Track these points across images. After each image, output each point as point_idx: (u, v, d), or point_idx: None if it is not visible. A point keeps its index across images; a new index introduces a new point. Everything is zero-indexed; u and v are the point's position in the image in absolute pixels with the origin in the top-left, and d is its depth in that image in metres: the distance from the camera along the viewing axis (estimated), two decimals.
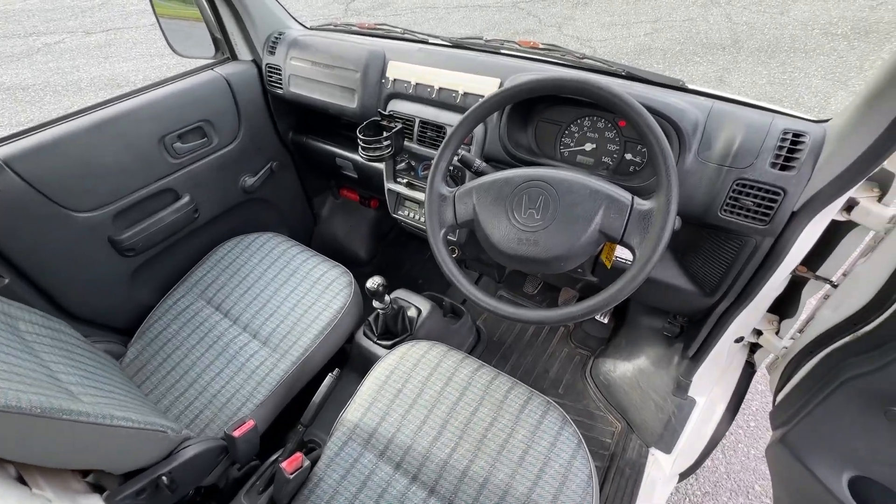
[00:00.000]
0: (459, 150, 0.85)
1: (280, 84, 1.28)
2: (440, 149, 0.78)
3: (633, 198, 0.69)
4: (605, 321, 1.49)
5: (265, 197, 1.45)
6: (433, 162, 0.80)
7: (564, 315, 0.69)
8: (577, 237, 0.68)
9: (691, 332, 1.10)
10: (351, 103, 1.16)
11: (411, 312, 1.16)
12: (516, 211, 0.72)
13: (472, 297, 0.76)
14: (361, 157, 1.04)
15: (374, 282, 0.97)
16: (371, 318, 1.15)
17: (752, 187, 0.75)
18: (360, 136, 1.01)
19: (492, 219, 0.73)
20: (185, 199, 1.18)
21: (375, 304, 1.04)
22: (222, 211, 1.31)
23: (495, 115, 0.93)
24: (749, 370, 1.09)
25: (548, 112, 0.96)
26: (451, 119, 1.02)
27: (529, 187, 0.72)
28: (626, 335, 1.39)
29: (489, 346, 1.54)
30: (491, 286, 1.76)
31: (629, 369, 1.29)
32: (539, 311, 0.70)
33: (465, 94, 0.99)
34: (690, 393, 1.10)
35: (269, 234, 1.24)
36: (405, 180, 1.16)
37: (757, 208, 0.75)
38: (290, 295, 1.11)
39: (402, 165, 1.13)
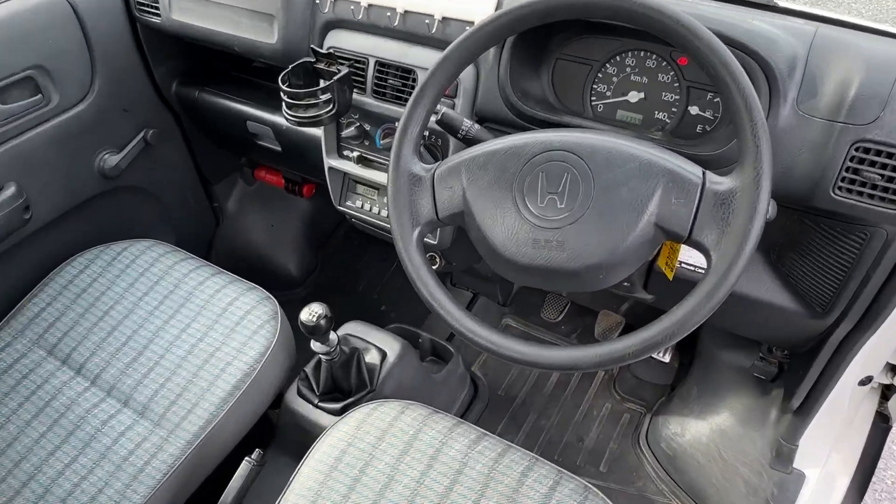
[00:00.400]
0: (439, 107, 0.85)
1: (156, 9, 1.27)
2: (409, 104, 0.78)
3: (704, 173, 0.69)
4: (667, 360, 1.52)
5: (138, 184, 1.45)
6: (399, 124, 0.79)
7: (606, 356, 0.69)
8: (624, 235, 0.69)
9: (795, 373, 1.12)
10: (268, 37, 1.17)
11: (371, 357, 1.17)
12: (529, 197, 0.73)
13: (462, 332, 0.75)
14: (287, 119, 1.04)
15: (311, 312, 0.98)
16: (308, 369, 1.15)
17: (879, 153, 0.76)
18: (285, 89, 1.01)
19: (492, 210, 0.74)
20: (9, 191, 1.17)
21: (315, 346, 1.04)
22: (69, 208, 1.30)
23: (492, 52, 0.94)
24: (882, 425, 1.13)
25: (571, 46, 0.96)
26: (423, 58, 1.03)
27: (549, 161, 0.72)
28: (697, 380, 1.41)
29: (493, 403, 1.54)
30: (492, 311, 1.78)
31: (704, 431, 1.30)
32: (567, 351, 0.70)
33: (445, 19, 1.00)
34: (797, 464, 1.12)
35: (146, 243, 1.25)
36: (356, 153, 1.16)
37: (888, 184, 0.76)
38: (179, 337, 1.11)
39: (350, 131, 1.13)
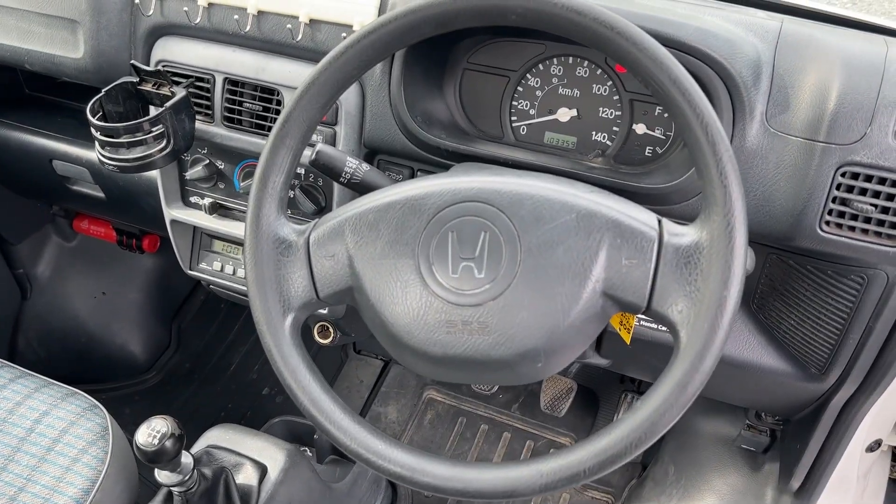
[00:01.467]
0: (313, 139, 0.84)
1: None
2: (268, 145, 0.76)
3: (660, 222, 0.70)
4: None
5: None
6: (256, 174, 0.77)
7: (553, 476, 0.66)
8: (564, 310, 0.68)
9: (791, 443, 1.13)
10: (72, 50, 1.13)
11: (245, 476, 1.11)
12: (438, 266, 0.71)
13: (361, 455, 0.72)
14: (102, 163, 1.03)
15: (152, 430, 0.92)
16: None
17: (869, 178, 0.77)
18: (95, 122, 0.99)
19: (389, 284, 0.73)
20: None
21: (161, 476, 0.98)
22: None
23: (378, 66, 0.93)
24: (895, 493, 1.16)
25: (481, 52, 0.96)
26: (289, 74, 1.02)
27: (459, 216, 0.71)
28: (673, 456, 1.41)
29: None
30: (410, 384, 1.78)
31: None
32: (500, 471, 0.68)
33: (314, 22, 0.99)
34: None
35: None
36: (207, 200, 1.14)
37: (883, 216, 0.77)
38: None
39: (197, 171, 1.10)
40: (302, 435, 1.39)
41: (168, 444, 0.90)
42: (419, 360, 0.73)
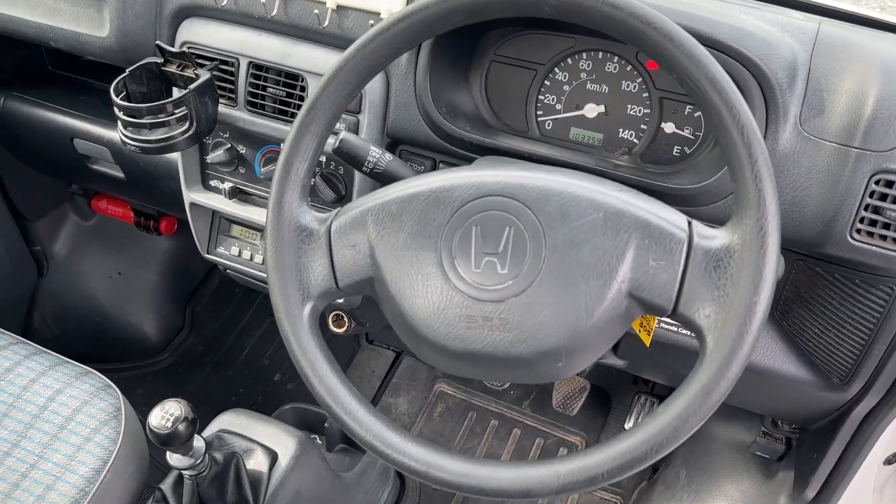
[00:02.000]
0: (338, 127, 0.83)
1: None
2: (293, 132, 0.76)
3: (690, 224, 0.69)
4: None
5: None
6: (280, 160, 0.77)
7: (570, 478, 0.66)
8: (588, 310, 0.68)
9: (807, 452, 1.12)
10: (97, 28, 1.14)
11: (256, 462, 1.12)
12: (461, 260, 0.71)
13: (377, 447, 0.71)
14: (125, 143, 1.03)
15: (166, 413, 0.92)
16: (167, 487, 1.08)
17: None
18: (119, 102, 0.99)
19: (410, 277, 0.73)
20: None
21: (174, 459, 0.99)
22: None
23: (404, 55, 0.93)
24: None
25: (510, 45, 0.96)
26: (314, 61, 1.01)
27: (484, 210, 0.71)
28: (685, 460, 1.41)
29: (425, 498, 1.53)
30: (421, 375, 1.77)
31: None
32: (515, 470, 0.68)
33: (341, 8, 0.98)
34: None
35: None
36: (227, 184, 1.13)
37: None
38: None
39: (218, 155, 1.11)
40: (313, 422, 1.40)
41: (181, 427, 0.91)
42: (437, 354, 0.72)
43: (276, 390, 1.76)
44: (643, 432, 0.64)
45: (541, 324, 0.68)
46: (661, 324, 0.95)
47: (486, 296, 0.69)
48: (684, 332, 0.95)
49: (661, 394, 1.56)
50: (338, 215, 0.76)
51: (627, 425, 1.55)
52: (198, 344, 1.85)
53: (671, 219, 0.68)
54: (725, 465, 1.30)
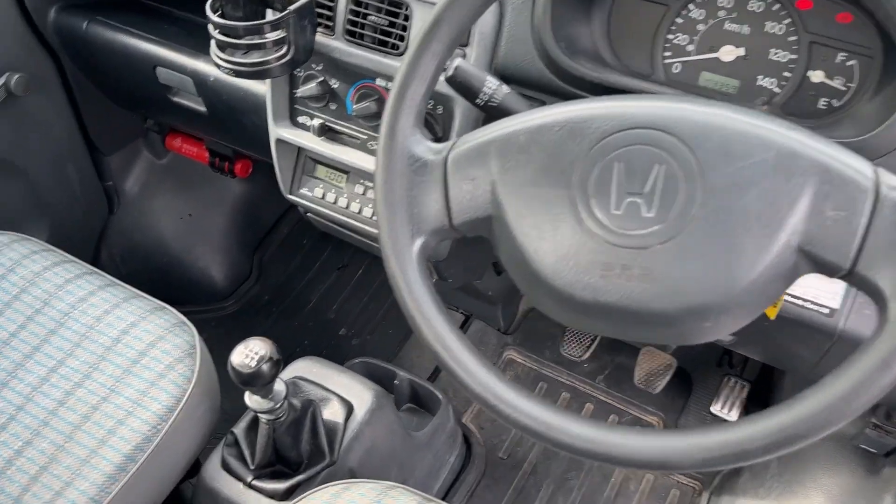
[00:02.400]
0: (452, 59, 0.80)
1: None
2: (413, 49, 0.73)
3: (876, 172, 0.62)
4: (733, 417, 1.49)
5: None
6: (396, 81, 0.74)
7: (713, 451, 0.61)
8: (750, 264, 0.62)
9: None
10: None
11: (331, 412, 1.15)
12: (598, 200, 0.66)
13: (501, 411, 0.68)
14: (218, 66, 1.03)
15: (249, 351, 0.93)
16: (239, 431, 1.12)
17: None
18: (216, 20, 0.98)
19: (537, 216, 0.69)
20: None
21: (252, 401, 1.00)
22: None
23: None
24: None
25: None
26: None
27: (629, 144, 0.66)
28: None
29: (491, 470, 1.52)
30: (490, 341, 1.75)
31: None
32: (652, 438, 0.65)
33: None
34: None
35: (5, 238, 1.23)
36: (316, 121, 1.12)
37: None
38: (48, 380, 1.07)
39: (309, 88, 1.09)
40: (381, 378, 1.40)
41: (265, 367, 0.92)
42: (561, 305, 0.68)
43: (341, 344, 1.78)
44: (806, 405, 0.59)
45: (691, 276, 0.63)
46: (791, 299, 0.90)
47: (626, 241, 0.64)
48: (814, 308, 0.90)
49: (750, 378, 1.50)
50: (455, 146, 0.73)
51: (714, 409, 1.52)
52: (264, 292, 1.88)
53: (854, 164, 0.61)
54: (823, 456, 1.25)
